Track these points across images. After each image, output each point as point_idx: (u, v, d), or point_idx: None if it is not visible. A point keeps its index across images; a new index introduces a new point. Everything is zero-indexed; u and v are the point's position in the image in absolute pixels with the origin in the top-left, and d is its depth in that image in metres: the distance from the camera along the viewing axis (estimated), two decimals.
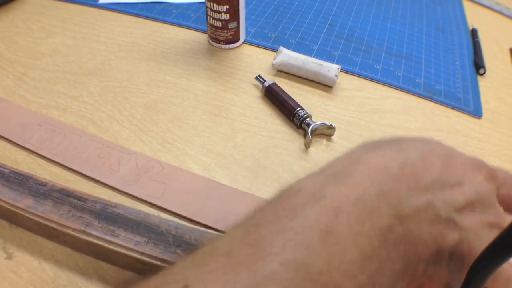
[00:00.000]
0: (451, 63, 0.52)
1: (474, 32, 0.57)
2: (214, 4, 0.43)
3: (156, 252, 0.27)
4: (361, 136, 0.40)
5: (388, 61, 0.50)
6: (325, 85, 0.45)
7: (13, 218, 0.30)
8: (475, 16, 0.63)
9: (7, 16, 0.51)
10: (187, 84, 0.43)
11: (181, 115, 0.40)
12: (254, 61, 0.47)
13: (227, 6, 0.43)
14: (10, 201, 0.29)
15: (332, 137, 0.39)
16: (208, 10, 0.45)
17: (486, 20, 0.63)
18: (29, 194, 0.30)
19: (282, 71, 0.46)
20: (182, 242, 0.28)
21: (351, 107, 0.43)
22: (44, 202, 0.29)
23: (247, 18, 0.53)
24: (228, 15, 0.44)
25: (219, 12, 0.44)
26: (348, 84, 0.46)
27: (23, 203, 0.29)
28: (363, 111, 0.43)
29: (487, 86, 0.49)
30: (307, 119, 0.39)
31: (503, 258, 0.15)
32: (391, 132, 0.41)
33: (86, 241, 0.28)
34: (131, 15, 0.53)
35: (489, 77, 0.51)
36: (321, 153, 0.38)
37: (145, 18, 0.53)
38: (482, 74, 0.51)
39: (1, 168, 0.32)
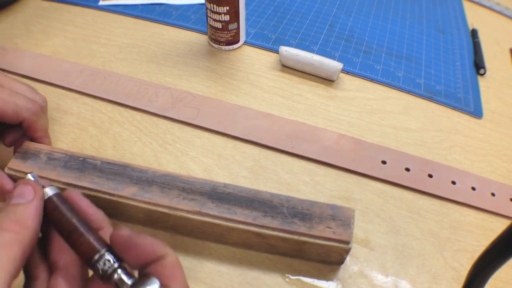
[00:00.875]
0: (451, 63, 0.52)
1: (474, 33, 0.57)
2: (214, 6, 0.43)
3: (275, 224, 0.27)
4: (361, 137, 0.40)
5: (389, 61, 0.50)
6: (327, 79, 0.45)
7: (113, 209, 0.29)
8: (475, 17, 0.63)
9: (7, 19, 0.51)
10: (188, 85, 0.43)
11: None
12: (254, 62, 0.48)
13: (227, 8, 0.43)
14: (111, 191, 0.28)
15: None
16: (208, 11, 0.45)
17: (486, 21, 0.63)
18: (130, 183, 0.29)
19: (287, 67, 0.47)
20: (296, 212, 0.28)
21: (352, 107, 0.43)
22: (150, 189, 0.29)
23: (247, 19, 0.53)
24: (228, 16, 0.44)
25: (219, 13, 0.44)
26: (349, 84, 0.46)
27: (127, 191, 0.28)
28: (364, 112, 0.43)
29: (488, 87, 0.49)
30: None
31: (503, 258, 0.15)
32: (392, 133, 0.41)
33: (201, 221, 0.28)
34: (131, 17, 0.53)
35: (490, 78, 0.51)
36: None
37: (145, 20, 0.53)
38: (482, 75, 0.51)
39: (91, 160, 0.31)
